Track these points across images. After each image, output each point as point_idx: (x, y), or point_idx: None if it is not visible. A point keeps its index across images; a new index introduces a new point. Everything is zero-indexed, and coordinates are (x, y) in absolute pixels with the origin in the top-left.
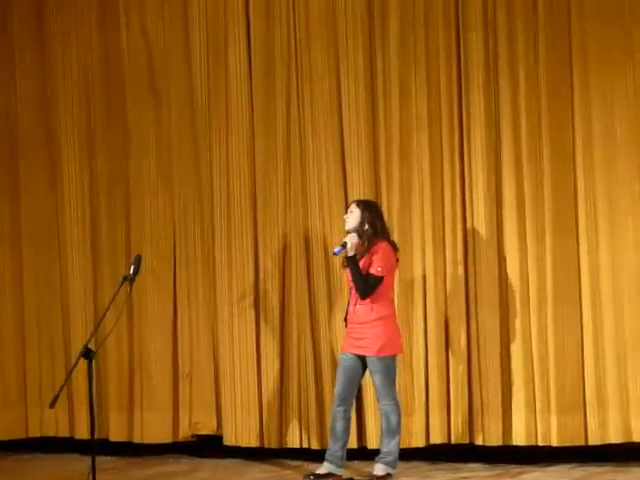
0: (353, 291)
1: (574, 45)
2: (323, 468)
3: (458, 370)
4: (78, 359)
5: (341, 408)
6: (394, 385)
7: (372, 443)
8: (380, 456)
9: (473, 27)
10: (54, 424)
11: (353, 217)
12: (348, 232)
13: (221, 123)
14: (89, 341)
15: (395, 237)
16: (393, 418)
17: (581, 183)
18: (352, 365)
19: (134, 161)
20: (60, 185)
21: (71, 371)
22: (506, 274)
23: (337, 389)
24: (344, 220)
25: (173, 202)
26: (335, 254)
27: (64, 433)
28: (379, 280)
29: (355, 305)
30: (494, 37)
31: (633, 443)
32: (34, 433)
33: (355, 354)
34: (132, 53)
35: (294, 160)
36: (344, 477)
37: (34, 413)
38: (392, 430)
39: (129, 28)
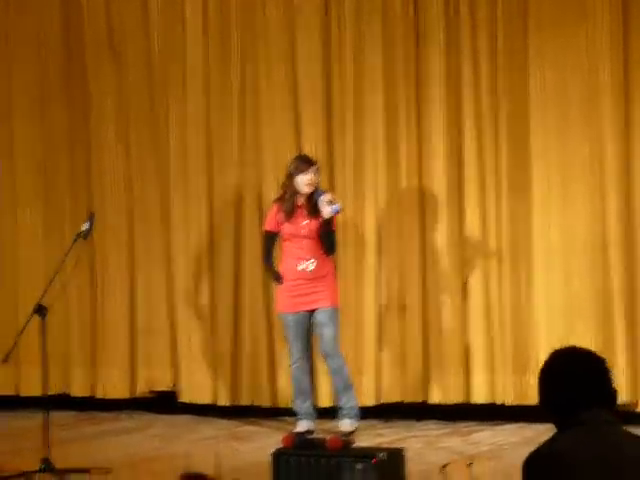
0: (304, 248)
1: (530, 8)
2: (302, 426)
3: (413, 326)
4: (31, 316)
5: (305, 364)
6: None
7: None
8: (344, 412)
9: None
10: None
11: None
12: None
13: (178, 79)
14: (42, 298)
15: (349, 191)
16: (345, 371)
17: (535, 144)
18: (305, 322)
19: (93, 119)
20: (9, 146)
21: (24, 327)
22: (464, 229)
23: (298, 347)
24: (315, 184)
25: (130, 159)
26: (335, 209)
27: (9, 391)
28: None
29: (308, 261)
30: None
31: None
32: None
33: (306, 311)
34: (91, 10)
35: (249, 115)
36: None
37: None
38: (348, 383)
39: None
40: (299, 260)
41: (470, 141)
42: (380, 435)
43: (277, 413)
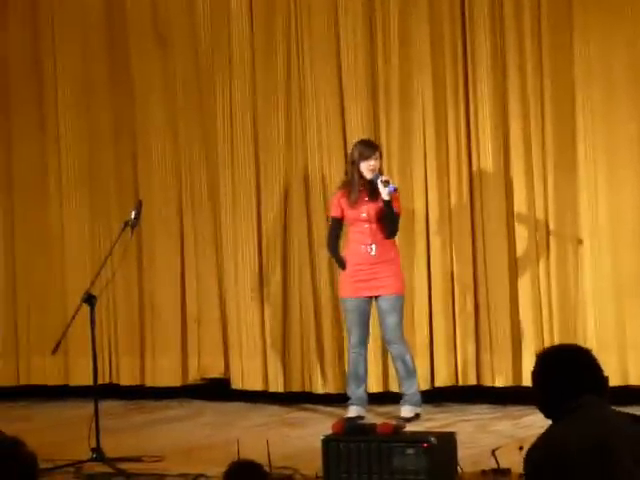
0: (365, 233)
1: None
2: (353, 411)
3: (464, 309)
4: (80, 305)
5: (363, 350)
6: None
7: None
8: (405, 398)
9: None
10: (49, 371)
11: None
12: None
13: (224, 66)
14: (91, 287)
15: (395, 176)
16: (409, 358)
17: (580, 122)
18: (366, 307)
19: (138, 105)
20: (54, 134)
21: (73, 317)
22: (512, 212)
23: (357, 333)
24: (374, 169)
25: (179, 147)
26: (391, 190)
27: (59, 381)
28: (399, 219)
29: (370, 245)
30: None
31: (630, 386)
32: (26, 381)
33: (368, 296)
34: None
35: (294, 101)
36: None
37: (25, 361)
38: (411, 370)
39: None
40: (361, 244)
41: (516, 121)
42: (431, 420)
43: (328, 399)
